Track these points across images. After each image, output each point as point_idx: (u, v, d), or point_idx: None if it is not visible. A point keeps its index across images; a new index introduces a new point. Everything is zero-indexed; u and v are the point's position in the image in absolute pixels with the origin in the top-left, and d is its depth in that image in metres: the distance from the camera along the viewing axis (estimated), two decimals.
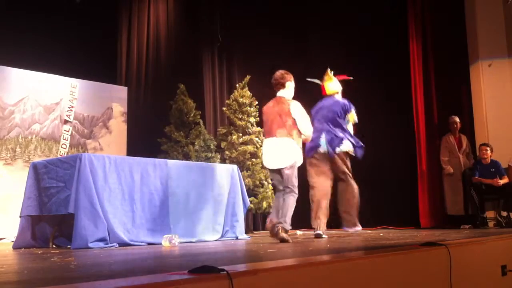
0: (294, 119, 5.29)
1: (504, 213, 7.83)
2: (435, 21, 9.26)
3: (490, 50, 8.88)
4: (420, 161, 9.00)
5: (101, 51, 8.76)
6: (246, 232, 7.17)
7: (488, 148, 8.12)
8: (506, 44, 8.83)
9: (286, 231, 5.13)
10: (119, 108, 8.79)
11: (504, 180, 7.89)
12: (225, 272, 2.09)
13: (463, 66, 9.07)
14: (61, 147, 8.05)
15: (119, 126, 8.73)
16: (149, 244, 5.28)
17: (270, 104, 5.64)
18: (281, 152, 5.18)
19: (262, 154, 8.24)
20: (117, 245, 5.08)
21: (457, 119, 8.64)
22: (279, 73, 5.70)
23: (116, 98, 8.74)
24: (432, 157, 8.90)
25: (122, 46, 9.21)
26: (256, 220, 9.38)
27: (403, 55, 9.36)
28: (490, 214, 8.32)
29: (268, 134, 5.36)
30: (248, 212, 7.83)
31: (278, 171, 5.25)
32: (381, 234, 6.27)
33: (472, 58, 8.99)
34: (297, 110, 5.39)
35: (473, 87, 8.94)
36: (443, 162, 8.62)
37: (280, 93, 5.66)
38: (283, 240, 4.99)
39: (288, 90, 5.59)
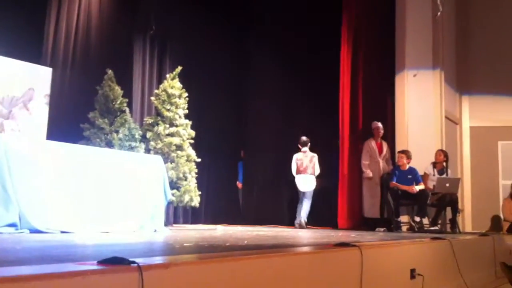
0: None
1: (417, 219, 8.14)
2: (367, 30, 9.52)
3: (416, 60, 9.22)
4: (342, 164, 9.23)
5: (26, 28, 8.36)
6: (166, 225, 7.09)
7: (404, 155, 8.42)
8: (432, 56, 9.19)
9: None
10: (42, 90, 8.44)
11: (420, 187, 8.21)
12: (135, 264, 2.05)
13: (390, 75, 9.37)
14: None
15: (40, 108, 8.39)
16: (62, 232, 5.11)
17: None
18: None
19: (187, 147, 8.26)
20: (28, 231, 4.89)
21: (380, 125, 8.92)
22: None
23: (39, 79, 8.38)
24: (354, 161, 9.15)
25: (50, 25, 8.84)
26: (177, 213, 9.29)
27: (334, 61, 9.55)
28: (404, 218, 8.64)
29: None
30: (169, 204, 7.75)
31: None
32: (299, 233, 6.36)
33: (398, 67, 9.30)
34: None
35: (397, 95, 9.25)
36: (364, 166, 8.88)
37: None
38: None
39: None
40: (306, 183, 8.99)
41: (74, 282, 1.83)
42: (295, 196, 9.58)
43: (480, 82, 10.60)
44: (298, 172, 9.04)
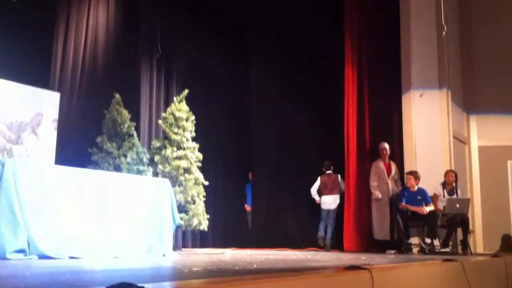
0: None
1: (428, 240, 8.05)
2: (371, 50, 9.55)
3: (422, 80, 9.20)
4: (348, 185, 9.18)
5: (34, 53, 8.45)
6: (175, 249, 7.06)
7: (412, 176, 8.37)
8: (438, 76, 9.18)
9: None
10: (50, 115, 8.49)
11: (429, 208, 8.14)
12: None
13: (396, 95, 9.35)
14: None
15: (48, 133, 8.43)
16: (71, 258, 5.09)
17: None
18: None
19: (195, 170, 8.26)
20: (37, 257, 4.88)
21: (387, 146, 8.89)
22: None
23: (48, 104, 8.44)
24: (361, 181, 9.10)
25: (58, 50, 8.94)
26: (185, 237, 9.25)
27: (339, 80, 9.57)
28: (415, 240, 8.55)
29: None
30: (178, 228, 7.71)
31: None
32: (309, 256, 6.31)
33: (404, 88, 9.29)
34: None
35: (404, 115, 9.22)
36: (372, 187, 8.83)
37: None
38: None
39: None
40: (330, 201, 9.38)
41: None
42: (305, 218, 9.58)
43: (487, 101, 10.57)
44: (322, 193, 9.47)
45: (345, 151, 9.30)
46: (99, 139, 8.02)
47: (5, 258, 4.60)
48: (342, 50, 9.65)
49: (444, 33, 8.79)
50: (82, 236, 5.33)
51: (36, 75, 8.48)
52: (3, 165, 4.86)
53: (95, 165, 7.85)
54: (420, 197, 8.26)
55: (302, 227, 9.97)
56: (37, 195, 5.07)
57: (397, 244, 8.38)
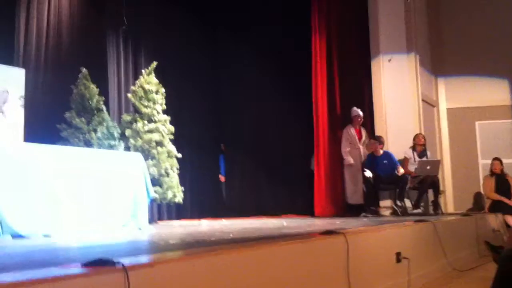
0: None
1: (400, 202, 8.21)
2: (339, 15, 9.54)
3: (390, 45, 9.26)
4: (317, 152, 9.24)
5: None
6: (150, 222, 7.04)
7: (376, 142, 8.48)
8: (406, 41, 9.24)
9: None
10: (16, 92, 8.29)
11: (401, 170, 8.27)
12: (121, 265, 2.02)
13: (365, 61, 9.39)
14: None
15: (16, 110, 8.24)
16: (45, 235, 5.04)
17: None
18: None
19: (168, 143, 8.20)
20: (11, 237, 4.82)
21: (361, 113, 8.96)
22: None
23: (13, 81, 8.22)
24: (333, 148, 9.17)
25: (20, 25, 8.67)
26: (161, 209, 9.23)
27: (307, 48, 9.55)
28: (387, 203, 8.71)
29: None
30: (153, 202, 7.69)
31: None
32: (284, 223, 6.37)
33: (373, 53, 9.33)
34: None
35: (374, 81, 9.29)
36: (344, 153, 8.92)
37: None
38: None
39: None
40: None
41: (60, 286, 1.80)
42: (278, 186, 9.68)
43: (455, 64, 10.71)
44: None
45: (314, 118, 9.33)
46: (67, 115, 7.87)
47: None
48: (309, 17, 9.62)
49: None
50: (56, 213, 5.28)
51: None
52: None
53: (64, 141, 7.72)
54: (386, 161, 8.39)
55: (276, 195, 10.06)
56: (7, 174, 4.98)
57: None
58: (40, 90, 8.66)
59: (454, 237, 6.19)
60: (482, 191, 9.58)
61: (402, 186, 8.16)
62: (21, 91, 8.32)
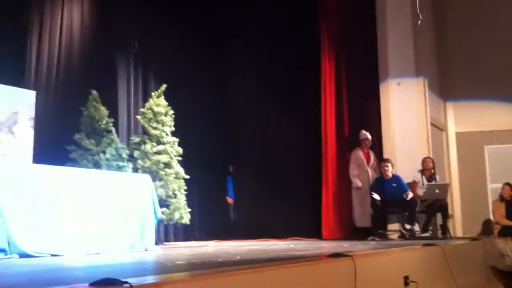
0: None
1: (408, 226, 8.16)
2: (348, 39, 9.60)
3: (399, 69, 9.30)
4: (326, 173, 9.23)
5: (9, 52, 8.30)
6: (157, 243, 7.03)
7: (389, 165, 8.45)
8: (414, 65, 9.28)
9: None
10: (27, 113, 8.37)
11: (411, 194, 8.23)
12: (128, 285, 2.03)
13: (374, 85, 9.43)
14: None
15: (25, 131, 8.32)
16: (52, 255, 5.05)
17: None
18: None
19: (176, 164, 8.22)
20: (18, 256, 4.83)
21: (369, 136, 8.97)
22: None
23: (23, 102, 8.31)
24: (341, 170, 9.16)
25: (32, 48, 8.80)
26: (168, 231, 9.22)
27: (315, 71, 9.61)
28: (395, 226, 8.66)
29: None
30: (159, 223, 7.69)
31: None
32: (292, 245, 6.34)
33: (382, 77, 9.37)
34: None
35: (382, 104, 9.30)
36: (352, 176, 8.91)
37: None
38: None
39: None
40: None
41: None
42: (285, 208, 9.64)
43: (463, 88, 10.72)
44: None
45: (322, 141, 9.34)
46: (77, 136, 7.94)
47: None
48: (318, 42, 9.69)
49: (419, 21, 8.88)
50: (63, 233, 5.29)
51: (11, 74, 8.35)
52: None
53: (73, 162, 7.77)
54: (395, 184, 8.35)
55: (283, 217, 10.01)
56: (16, 194, 5.01)
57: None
58: (50, 112, 8.75)
59: (462, 261, 6.13)
60: (491, 215, 9.51)
61: (411, 209, 8.11)
62: (32, 113, 8.40)
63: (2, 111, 8.10)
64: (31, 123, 8.39)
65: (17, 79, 8.49)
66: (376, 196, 8.21)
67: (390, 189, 8.31)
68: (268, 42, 10.31)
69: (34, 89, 8.63)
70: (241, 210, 10.69)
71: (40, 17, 8.90)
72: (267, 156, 10.41)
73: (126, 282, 2.02)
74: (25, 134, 8.29)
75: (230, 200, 10.92)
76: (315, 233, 9.14)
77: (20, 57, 8.70)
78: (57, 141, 8.18)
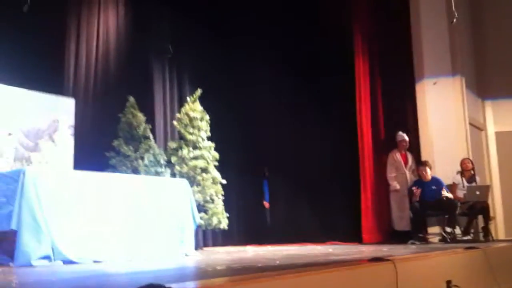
0: None
1: (449, 229, 8.01)
2: (382, 40, 9.50)
3: (435, 68, 9.15)
4: (364, 176, 9.14)
5: (47, 60, 8.49)
6: (196, 248, 7.09)
7: (427, 167, 8.31)
8: (451, 64, 9.12)
9: None
10: (66, 121, 8.55)
11: (449, 194, 8.08)
12: None
13: (409, 84, 9.31)
14: (5, 161, 7.77)
15: (65, 139, 8.50)
16: (95, 261, 5.14)
17: None
18: None
19: (212, 169, 8.28)
20: (62, 263, 4.94)
21: (406, 137, 8.85)
22: None
23: (63, 110, 8.50)
24: (378, 173, 9.07)
25: (70, 56, 8.99)
26: (206, 236, 9.28)
27: (350, 71, 9.54)
28: (436, 229, 8.51)
29: None
30: (198, 228, 7.75)
31: None
32: (330, 250, 6.31)
33: (418, 76, 9.24)
34: None
35: (419, 104, 9.17)
36: (390, 178, 8.80)
37: None
38: None
39: None
40: None
41: None
42: (320, 213, 9.60)
43: (501, 86, 10.49)
44: None
45: (359, 143, 9.27)
46: (115, 143, 8.07)
47: (30, 265, 4.65)
48: (352, 42, 9.62)
49: (455, 19, 8.72)
50: (105, 239, 5.38)
51: (50, 82, 8.55)
52: (23, 174, 4.92)
53: (113, 169, 7.90)
54: (435, 187, 8.21)
55: (320, 221, 9.95)
56: (58, 201, 5.12)
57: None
58: (89, 119, 8.92)
59: (506, 264, 5.99)
60: None
61: (451, 212, 7.96)
62: (71, 120, 8.58)
63: (42, 119, 8.29)
64: (71, 130, 8.57)
65: (56, 87, 8.68)
66: (415, 190, 8.05)
67: (429, 192, 8.17)
68: (301, 43, 10.27)
69: (73, 97, 8.81)
70: (278, 214, 10.67)
71: (77, 24, 9.08)
72: (303, 159, 10.37)
73: None
74: (65, 142, 8.47)
75: (266, 204, 10.93)
76: (354, 237, 9.05)
77: (58, 65, 8.89)
78: (96, 148, 8.33)
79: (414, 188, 8.13)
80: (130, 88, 8.68)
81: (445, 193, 8.08)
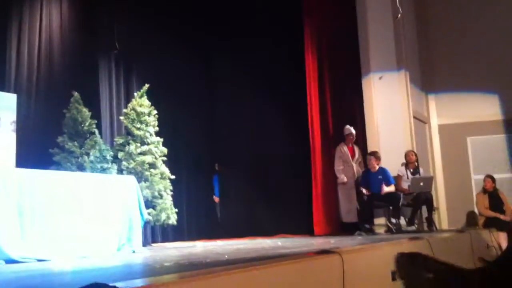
0: None
1: (394, 220, 8.21)
2: (330, 36, 9.62)
3: (380, 63, 9.33)
4: (314, 170, 9.26)
5: None
6: (145, 245, 7.01)
7: (373, 157, 8.50)
8: (396, 58, 9.32)
9: None
10: (8, 117, 8.28)
11: (389, 189, 8.27)
12: None
13: (356, 79, 9.46)
14: None
15: (7, 135, 8.23)
16: (39, 260, 5.00)
17: None
18: None
19: (160, 164, 8.19)
20: (4, 262, 4.78)
21: (353, 131, 9.01)
22: None
23: (5, 106, 8.21)
24: (327, 166, 9.20)
25: (12, 51, 8.69)
26: (154, 232, 9.17)
27: (299, 68, 9.62)
28: (381, 220, 8.71)
29: None
30: (146, 224, 7.65)
31: None
32: (279, 243, 6.35)
33: (364, 71, 9.40)
34: None
35: (365, 98, 9.34)
36: (337, 171, 8.94)
37: None
38: None
39: None
40: None
41: None
42: (271, 206, 9.66)
43: (445, 80, 10.80)
44: None
45: (309, 137, 9.37)
46: (60, 139, 7.87)
47: None
48: (301, 37, 9.70)
49: (399, 15, 8.92)
50: (49, 238, 5.25)
51: None
52: None
53: (57, 165, 7.70)
54: (381, 177, 8.41)
55: (271, 215, 10.02)
56: (0, 199, 4.96)
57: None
58: (32, 115, 8.66)
59: (449, 253, 6.17)
60: (475, 208, 9.60)
61: (395, 204, 8.16)
62: (13, 116, 8.31)
63: None
64: (13, 127, 8.29)
65: None
66: (365, 191, 8.24)
67: (376, 182, 8.35)
68: (253, 41, 10.28)
69: (14, 92, 8.53)
70: (228, 209, 10.68)
71: (18, 19, 8.77)
72: (254, 154, 10.40)
73: (115, 287, 2.01)
74: (7, 138, 8.20)
75: (216, 199, 10.91)
76: (306, 229, 9.16)
77: None
78: (40, 145, 8.10)
79: (363, 189, 8.28)
80: (75, 84, 8.47)
81: (385, 188, 8.25)
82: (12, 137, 8.28)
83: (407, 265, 2.78)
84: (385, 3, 9.35)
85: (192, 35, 10.53)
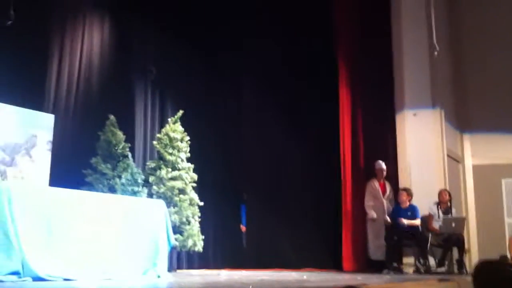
0: None
1: (422, 261, 8.04)
2: (364, 71, 9.62)
3: (415, 100, 9.26)
4: (345, 204, 9.18)
5: (29, 76, 8.42)
6: (170, 270, 7.01)
7: (405, 192, 8.39)
8: (431, 95, 9.24)
9: None
10: (45, 136, 8.47)
11: (411, 222, 8.14)
12: None
13: (390, 115, 9.40)
14: None
15: (43, 155, 8.40)
16: (65, 279, 5.05)
17: None
18: None
19: (190, 190, 8.24)
20: (31, 279, 4.84)
21: (384, 166, 8.92)
22: None
23: (42, 126, 8.42)
24: (357, 201, 9.11)
25: (52, 72, 8.93)
26: (180, 258, 9.18)
27: (332, 103, 9.64)
28: (410, 260, 8.53)
29: None
30: (173, 249, 7.67)
31: None
32: (305, 277, 6.28)
33: (398, 107, 9.34)
34: None
35: (398, 135, 9.26)
36: (367, 207, 8.84)
37: None
38: None
39: None
40: None
41: None
42: (298, 239, 9.57)
43: (480, 120, 10.63)
44: None
45: (341, 172, 9.31)
46: (93, 160, 8.01)
47: None
48: (336, 73, 9.73)
49: (436, 52, 8.87)
50: (77, 257, 5.30)
51: (31, 97, 8.48)
52: None
53: (89, 186, 7.82)
54: (410, 213, 8.29)
55: (296, 247, 9.92)
56: (32, 217, 5.04)
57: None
58: (68, 136, 8.84)
59: None
60: (507, 251, 9.33)
61: (423, 245, 8.01)
62: (50, 136, 8.50)
63: (20, 134, 8.20)
64: (49, 146, 8.48)
65: (36, 103, 8.60)
66: (388, 219, 8.15)
67: (405, 218, 8.24)
68: (286, 70, 10.34)
69: (52, 113, 8.74)
70: (254, 239, 10.61)
71: (60, 41, 9.04)
72: (282, 184, 10.37)
73: None
74: (42, 157, 8.37)
75: (243, 228, 10.87)
76: (333, 264, 9.04)
77: (39, 81, 8.82)
78: (73, 165, 8.25)
79: (388, 218, 8.20)
80: (111, 107, 8.64)
81: (404, 221, 8.13)
82: (47, 156, 8.45)
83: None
84: (422, 40, 9.33)
85: (226, 63, 10.63)
